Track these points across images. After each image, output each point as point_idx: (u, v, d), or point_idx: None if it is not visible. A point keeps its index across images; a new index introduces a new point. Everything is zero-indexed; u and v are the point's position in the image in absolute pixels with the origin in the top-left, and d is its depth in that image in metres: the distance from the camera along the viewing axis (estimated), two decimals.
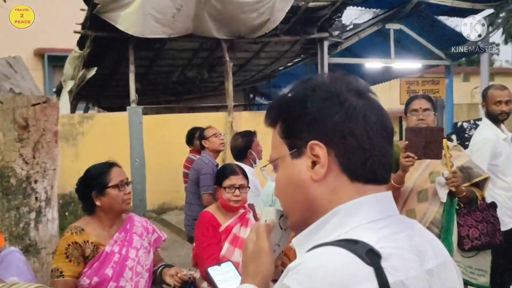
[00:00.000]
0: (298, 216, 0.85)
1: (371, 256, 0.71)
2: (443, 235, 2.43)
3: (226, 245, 2.47)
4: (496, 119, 3.37)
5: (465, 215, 2.52)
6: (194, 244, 2.74)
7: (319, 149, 0.79)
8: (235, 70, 7.39)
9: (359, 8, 8.50)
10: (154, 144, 6.57)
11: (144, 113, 6.69)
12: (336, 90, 0.82)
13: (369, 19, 8.03)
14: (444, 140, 2.45)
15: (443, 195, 2.45)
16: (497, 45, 32.90)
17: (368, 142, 0.79)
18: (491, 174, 3.25)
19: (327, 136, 0.79)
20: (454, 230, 2.47)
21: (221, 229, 2.51)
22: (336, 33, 7.32)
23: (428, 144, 2.35)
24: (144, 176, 6.45)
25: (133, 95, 6.47)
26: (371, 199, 0.80)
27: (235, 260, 2.42)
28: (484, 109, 3.50)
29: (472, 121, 7.23)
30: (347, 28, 8.34)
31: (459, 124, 7.57)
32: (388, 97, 12.87)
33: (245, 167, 3.47)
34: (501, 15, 8.96)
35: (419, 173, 2.54)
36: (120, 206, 2.09)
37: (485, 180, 2.63)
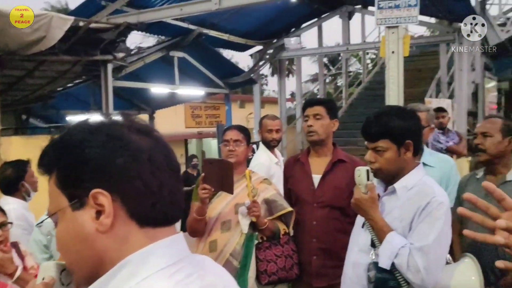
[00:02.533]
0: (85, 272, 0.77)
1: None
2: (240, 271, 2.43)
3: None
4: (269, 145, 3.82)
5: (266, 249, 2.51)
6: None
7: (103, 197, 0.73)
8: (3, 88, 6.48)
9: (143, 33, 8.57)
10: None
11: None
12: (117, 132, 0.77)
13: (154, 45, 8.17)
14: (248, 171, 2.51)
15: (244, 225, 2.47)
16: (266, 76, 37.78)
17: (156, 183, 0.76)
18: None
19: (111, 183, 0.74)
20: (252, 265, 2.46)
21: None
22: (120, 56, 7.19)
23: (223, 176, 2.35)
24: None
25: None
26: (162, 244, 0.77)
27: None
28: (260, 135, 3.93)
29: None
30: (132, 52, 8.29)
31: None
32: (175, 121, 13.24)
33: (17, 201, 3.04)
34: (269, 51, 10.27)
35: (226, 203, 2.56)
36: None
37: (291, 213, 2.64)
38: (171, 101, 9.96)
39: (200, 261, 0.85)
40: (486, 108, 12.02)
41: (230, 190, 2.38)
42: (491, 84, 13.29)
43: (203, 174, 2.39)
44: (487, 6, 12.49)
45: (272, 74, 32.17)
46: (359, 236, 2.01)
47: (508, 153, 2.49)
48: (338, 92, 14.09)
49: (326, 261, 2.60)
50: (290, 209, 2.63)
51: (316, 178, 2.67)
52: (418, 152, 1.96)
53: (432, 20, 10.50)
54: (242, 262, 2.45)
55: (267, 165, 3.70)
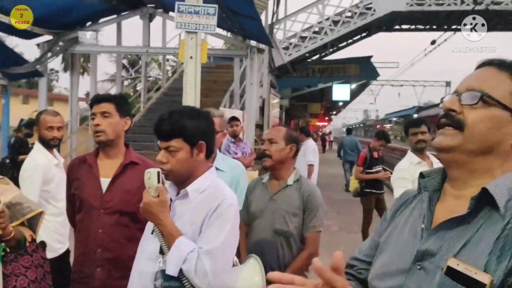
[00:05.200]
0: None
1: None
2: None
3: None
4: (49, 144, 3.34)
5: (12, 261, 2.11)
6: None
7: None
8: None
9: None
10: None
11: None
12: None
13: None
14: None
15: None
16: (57, 71, 34.53)
17: None
18: (43, 201, 3.18)
19: None
20: None
21: None
22: None
23: None
24: None
25: None
26: None
27: None
28: (37, 133, 3.42)
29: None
30: None
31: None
32: None
33: None
34: (60, 43, 9.30)
35: None
36: None
37: (39, 216, 2.28)
38: None
39: None
40: (271, 122, 13.40)
41: None
42: (275, 100, 14.93)
43: None
44: (274, 30, 14.02)
45: (65, 70, 29.54)
46: (148, 243, 1.87)
47: (290, 159, 2.72)
48: (137, 95, 13.74)
49: (112, 272, 2.38)
50: (40, 210, 2.31)
51: (105, 182, 2.44)
52: (210, 154, 1.94)
53: (230, 35, 11.19)
54: None
55: (45, 167, 3.24)
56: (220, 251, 1.72)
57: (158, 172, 1.80)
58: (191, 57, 4.25)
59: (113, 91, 14.36)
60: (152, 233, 1.84)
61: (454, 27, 15.81)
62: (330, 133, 44.76)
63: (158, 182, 1.80)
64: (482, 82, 1.01)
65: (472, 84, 1.02)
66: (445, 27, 15.70)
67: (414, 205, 1.14)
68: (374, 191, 6.44)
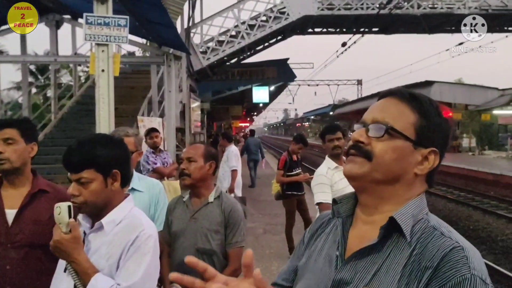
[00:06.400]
0: None
1: None
2: None
3: None
4: None
5: None
6: None
7: None
8: None
9: None
10: None
11: None
12: None
13: None
14: None
15: None
16: None
17: None
18: None
19: None
20: None
21: None
22: None
23: None
24: None
25: None
26: None
27: None
28: None
29: None
30: None
31: None
32: None
33: None
34: None
35: None
36: None
37: None
38: None
39: None
40: (192, 126, 13.29)
41: None
42: (196, 104, 14.83)
43: None
44: (191, 34, 13.92)
45: None
46: (61, 281, 1.77)
47: (210, 176, 2.71)
48: (47, 104, 12.91)
49: None
50: None
51: (11, 214, 2.26)
52: (127, 182, 1.88)
53: (144, 40, 10.91)
54: None
55: None
56: (140, 286, 1.67)
57: (69, 206, 1.71)
58: (102, 71, 4.09)
59: (20, 100, 13.37)
60: (64, 271, 1.74)
61: (362, 29, 16.78)
62: None
63: (70, 216, 1.70)
64: (386, 114, 1.08)
65: (377, 116, 1.09)
66: (354, 30, 16.60)
67: (329, 229, 1.18)
68: (295, 193, 6.64)
